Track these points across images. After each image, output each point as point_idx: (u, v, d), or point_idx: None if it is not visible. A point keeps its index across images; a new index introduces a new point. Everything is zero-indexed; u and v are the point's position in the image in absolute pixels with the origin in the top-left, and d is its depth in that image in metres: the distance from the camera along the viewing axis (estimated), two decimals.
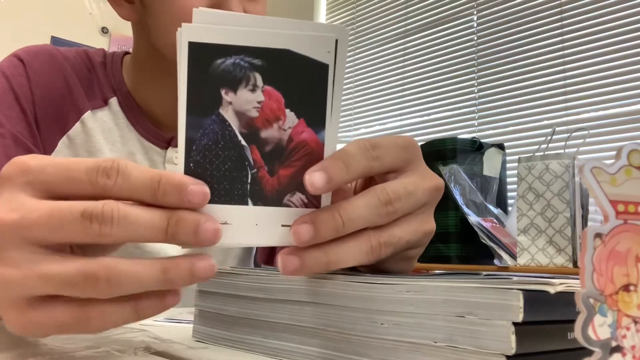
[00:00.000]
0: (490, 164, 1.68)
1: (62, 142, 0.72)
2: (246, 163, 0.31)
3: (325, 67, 0.31)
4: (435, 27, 2.50)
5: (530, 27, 2.15)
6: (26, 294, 0.29)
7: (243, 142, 0.31)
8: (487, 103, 2.26)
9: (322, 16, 3.06)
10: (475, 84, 2.30)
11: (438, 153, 1.62)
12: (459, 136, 1.84)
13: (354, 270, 0.37)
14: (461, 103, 2.35)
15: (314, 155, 0.32)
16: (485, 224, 1.51)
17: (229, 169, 0.31)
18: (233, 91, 0.30)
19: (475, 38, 2.34)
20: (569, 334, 0.27)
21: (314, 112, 0.31)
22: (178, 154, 0.31)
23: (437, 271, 1.51)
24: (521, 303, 0.24)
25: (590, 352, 0.20)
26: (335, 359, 0.32)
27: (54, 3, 2.32)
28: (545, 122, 2.05)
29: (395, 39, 2.66)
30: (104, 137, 0.74)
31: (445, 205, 1.55)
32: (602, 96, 1.93)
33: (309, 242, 0.30)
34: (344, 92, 2.10)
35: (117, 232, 0.28)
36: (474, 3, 2.36)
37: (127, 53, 0.80)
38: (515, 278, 0.26)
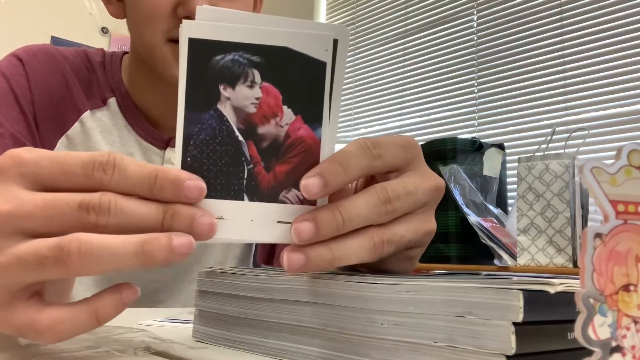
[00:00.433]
0: (490, 164, 1.68)
1: (61, 142, 0.72)
2: (243, 158, 0.31)
3: (323, 64, 0.31)
4: (435, 27, 2.50)
5: (530, 27, 2.15)
6: (10, 283, 0.29)
7: (240, 138, 0.31)
8: (487, 103, 2.26)
9: (322, 16, 3.06)
10: (475, 84, 2.30)
11: (438, 153, 1.62)
12: (459, 136, 1.84)
13: (354, 271, 0.36)
14: (461, 103, 2.35)
15: (311, 152, 0.32)
16: (485, 224, 1.51)
17: (226, 164, 0.31)
18: (231, 87, 0.31)
19: (475, 38, 2.34)
20: (569, 334, 0.27)
21: (311, 110, 0.32)
22: (176, 148, 0.31)
23: (437, 271, 1.51)
24: (521, 303, 0.24)
25: (590, 352, 0.20)
26: (335, 359, 0.32)
27: (54, 3, 2.32)
28: (545, 122, 2.05)
29: (395, 39, 2.66)
30: (102, 137, 0.74)
31: (445, 205, 1.55)
32: (602, 96, 1.93)
33: (310, 240, 0.31)
34: (343, 92, 2.10)
35: (113, 223, 0.29)
36: (474, 3, 2.36)
37: (126, 53, 0.80)
38: (515, 278, 0.26)
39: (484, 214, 1.57)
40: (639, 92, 1.86)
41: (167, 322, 0.50)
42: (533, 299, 0.25)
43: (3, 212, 0.29)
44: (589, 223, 1.39)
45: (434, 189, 0.36)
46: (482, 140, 1.70)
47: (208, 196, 0.30)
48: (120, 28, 2.48)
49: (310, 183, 0.31)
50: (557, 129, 1.58)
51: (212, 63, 0.30)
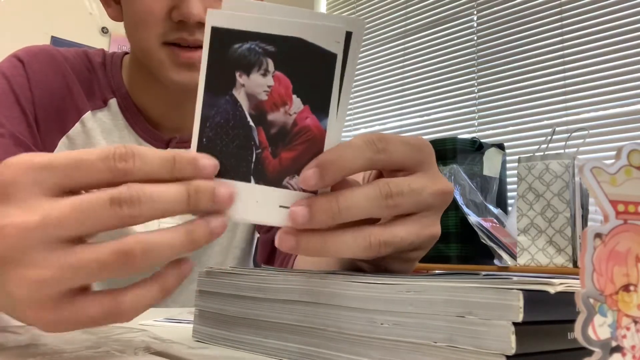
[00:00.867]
0: (490, 164, 1.68)
1: (62, 142, 0.72)
2: (252, 143, 0.33)
3: (333, 56, 0.32)
4: (435, 27, 2.50)
5: (530, 27, 2.15)
6: (61, 290, 0.29)
7: (251, 123, 0.33)
8: (487, 103, 2.26)
9: None
10: (475, 84, 2.31)
11: (438, 153, 1.62)
12: (459, 136, 1.84)
13: (354, 269, 0.36)
14: (461, 103, 2.35)
15: (316, 141, 0.33)
16: (485, 224, 1.51)
17: (237, 146, 0.33)
18: (247, 74, 0.32)
19: (475, 38, 2.34)
20: (569, 334, 0.27)
21: (319, 100, 0.32)
22: (193, 128, 0.32)
23: (437, 271, 1.51)
24: (521, 303, 0.24)
25: (590, 352, 0.20)
26: (335, 359, 0.32)
27: (54, 3, 2.32)
28: (545, 122, 2.05)
29: (395, 39, 2.66)
30: (103, 137, 0.74)
31: None
32: (602, 96, 1.93)
33: (304, 225, 0.32)
34: None
35: (146, 212, 0.29)
36: (474, 3, 2.36)
37: (126, 53, 0.80)
38: (515, 278, 0.26)
39: (484, 214, 1.57)
40: (639, 92, 1.86)
41: (167, 322, 0.50)
42: (533, 299, 0.25)
43: (31, 224, 0.29)
44: (589, 223, 1.39)
45: (441, 192, 0.35)
46: (482, 140, 1.70)
47: (218, 176, 0.32)
48: (120, 28, 2.46)
49: (308, 175, 0.32)
50: (557, 129, 1.58)
51: (231, 51, 0.32)
